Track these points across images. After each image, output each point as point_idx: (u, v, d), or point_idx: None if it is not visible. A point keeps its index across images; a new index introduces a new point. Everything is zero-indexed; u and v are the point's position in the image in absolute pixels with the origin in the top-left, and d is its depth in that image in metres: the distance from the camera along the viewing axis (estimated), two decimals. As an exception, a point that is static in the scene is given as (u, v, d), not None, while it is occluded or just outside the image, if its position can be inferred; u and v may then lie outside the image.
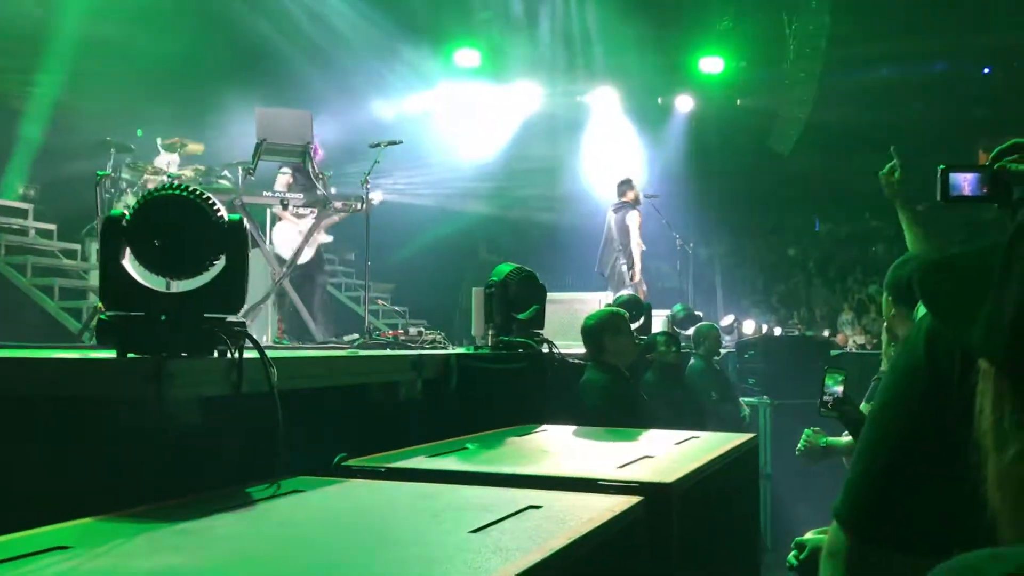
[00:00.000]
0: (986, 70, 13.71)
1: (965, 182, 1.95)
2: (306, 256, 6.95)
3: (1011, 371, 0.69)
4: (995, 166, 1.92)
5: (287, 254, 6.92)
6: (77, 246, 8.51)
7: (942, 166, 1.97)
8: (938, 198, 1.98)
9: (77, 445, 1.86)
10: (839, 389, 3.06)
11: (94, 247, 7.68)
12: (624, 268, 8.48)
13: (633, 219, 8.58)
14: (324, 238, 7.34)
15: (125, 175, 7.48)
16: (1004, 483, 0.70)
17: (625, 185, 8.90)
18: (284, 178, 6.96)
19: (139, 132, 8.40)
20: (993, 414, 0.72)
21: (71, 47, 8.98)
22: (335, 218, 7.12)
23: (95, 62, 9.30)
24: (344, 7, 10.39)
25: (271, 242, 7.07)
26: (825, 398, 3.06)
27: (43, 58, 9.07)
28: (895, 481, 0.91)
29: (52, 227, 8.67)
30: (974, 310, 0.70)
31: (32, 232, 8.53)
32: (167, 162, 7.56)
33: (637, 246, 8.46)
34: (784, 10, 12.56)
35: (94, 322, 5.83)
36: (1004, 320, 0.67)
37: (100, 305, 5.51)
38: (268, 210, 7.37)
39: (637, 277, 8.35)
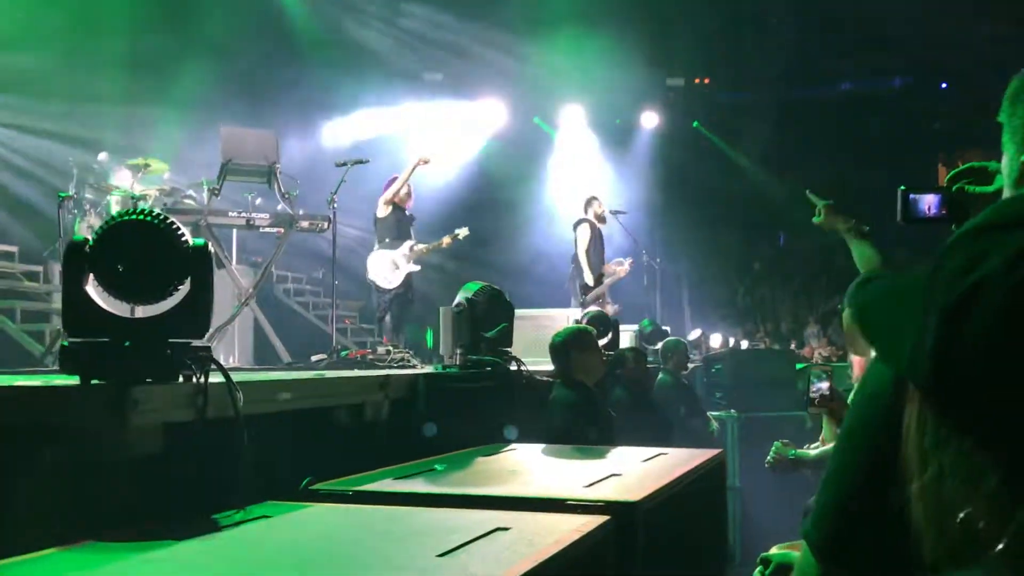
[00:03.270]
0: (943, 85, 14.00)
1: (925, 204, 1.99)
2: (395, 282, 7.51)
3: (933, 397, 0.72)
4: (953, 188, 1.97)
5: (383, 283, 7.47)
6: (39, 268, 8.38)
7: (902, 188, 2.01)
8: (898, 219, 2.02)
9: (38, 474, 1.84)
10: (825, 385, 3.09)
11: (56, 269, 7.57)
12: (578, 283, 8.56)
13: (581, 232, 8.62)
14: (412, 267, 7.65)
15: (88, 195, 7.40)
16: (923, 502, 0.73)
17: (587, 201, 8.96)
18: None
19: (101, 156, 8.30)
20: (916, 435, 0.74)
21: (29, 63, 8.88)
22: (422, 248, 7.64)
23: (57, 80, 9.20)
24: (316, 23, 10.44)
25: (368, 271, 7.58)
26: (812, 395, 3.09)
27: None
28: (861, 507, 0.92)
29: (13, 249, 8.53)
30: (904, 332, 0.73)
31: (-8, 254, 8.39)
32: (131, 182, 7.49)
33: (583, 256, 8.48)
34: (745, 26, 12.76)
35: (57, 346, 5.76)
36: (926, 347, 0.69)
37: (63, 330, 5.44)
38: (234, 230, 7.34)
39: (592, 290, 8.34)
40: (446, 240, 7.85)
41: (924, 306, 0.71)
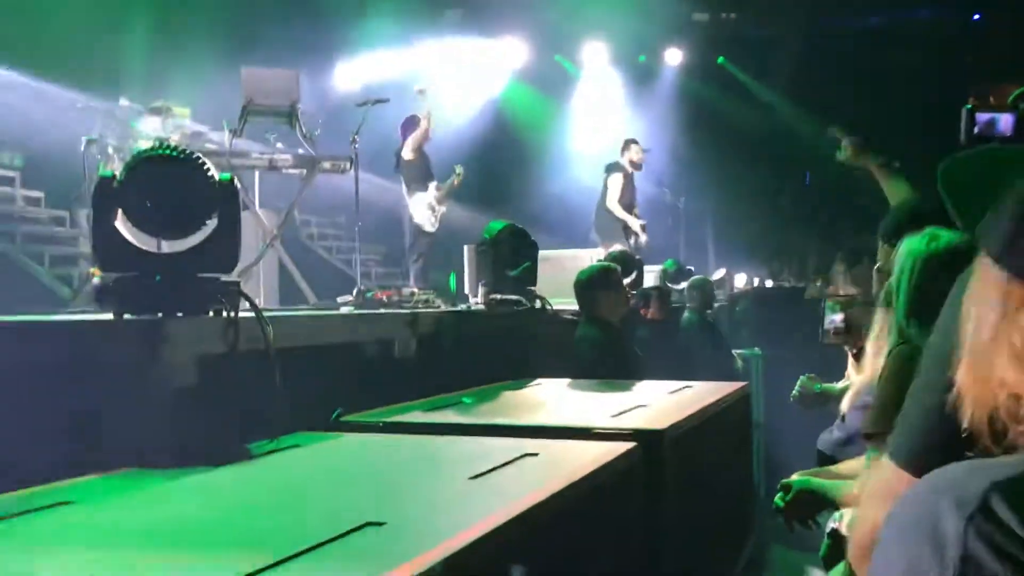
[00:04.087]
0: (976, 16, 13.62)
1: (990, 122, 1.94)
2: (436, 224, 7.64)
3: (1000, 267, 0.71)
4: (1020, 107, 1.91)
5: (429, 226, 7.56)
6: (66, 213, 8.46)
7: (968, 106, 1.95)
8: (962, 139, 1.97)
9: (77, 405, 1.87)
10: (839, 317, 3.07)
11: (83, 213, 7.63)
12: (596, 232, 8.40)
13: (613, 181, 8.34)
14: (443, 209, 7.72)
15: (111, 140, 7.41)
16: (972, 371, 0.72)
17: (624, 144, 8.67)
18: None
19: (121, 101, 8.28)
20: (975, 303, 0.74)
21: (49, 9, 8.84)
22: (443, 189, 7.66)
23: (75, 24, 9.16)
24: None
25: (412, 214, 7.63)
26: (827, 327, 3.07)
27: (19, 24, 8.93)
28: (942, 422, 0.91)
29: (40, 194, 8.61)
30: (984, 198, 0.72)
31: (19, 200, 8.47)
32: (153, 126, 7.49)
33: (614, 206, 8.24)
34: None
35: (87, 287, 5.83)
36: (1002, 221, 0.69)
37: (93, 271, 5.48)
38: (256, 172, 7.34)
39: (617, 243, 7.97)
40: (455, 181, 7.79)
41: (1012, 183, 0.70)
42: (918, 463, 0.96)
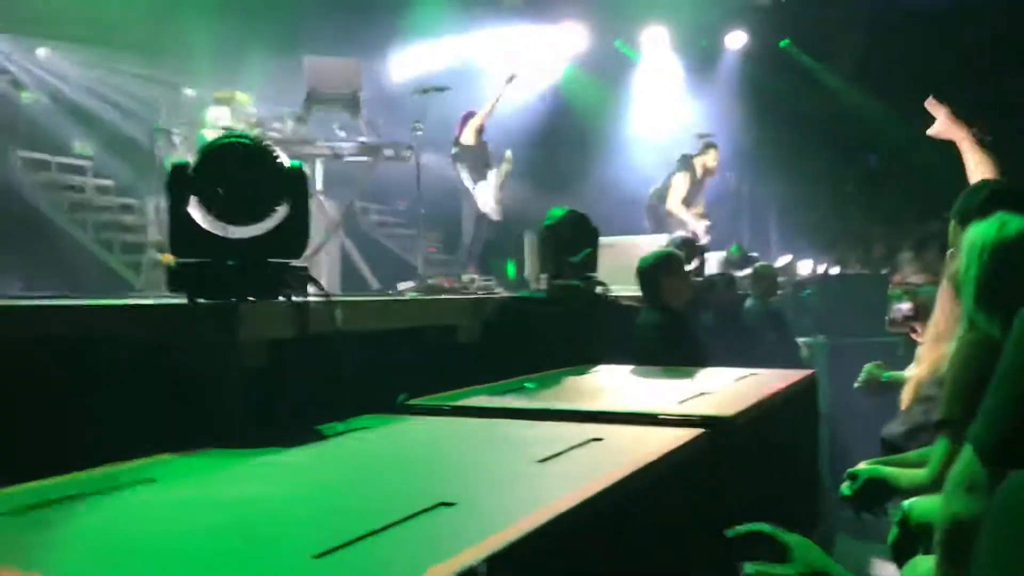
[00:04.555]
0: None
1: None
2: (500, 212, 7.58)
3: None
4: None
5: (495, 214, 7.52)
6: (135, 201, 8.69)
7: None
8: None
9: (155, 387, 1.93)
10: (907, 306, 3.01)
11: (151, 201, 7.83)
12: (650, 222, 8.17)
13: (678, 181, 7.99)
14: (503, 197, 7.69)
15: (177, 130, 7.58)
16: None
17: (704, 146, 8.29)
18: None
19: (187, 91, 8.47)
20: None
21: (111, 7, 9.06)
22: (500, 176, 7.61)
23: (140, 16, 9.37)
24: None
25: (478, 203, 7.59)
26: (893, 315, 3.02)
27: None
28: None
29: (110, 183, 8.86)
30: None
31: (91, 188, 8.73)
32: (217, 115, 7.64)
33: (676, 208, 7.92)
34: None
35: (155, 273, 5.99)
36: None
37: (162, 257, 5.63)
38: (317, 160, 7.44)
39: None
40: (507, 167, 7.75)
41: None
42: (1004, 453, 0.94)
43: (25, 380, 1.92)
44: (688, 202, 8.07)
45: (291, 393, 2.13)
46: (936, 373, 2.70)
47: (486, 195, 7.54)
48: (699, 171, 8.17)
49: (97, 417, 1.79)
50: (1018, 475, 0.63)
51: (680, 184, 8.01)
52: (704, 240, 7.86)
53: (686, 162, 8.14)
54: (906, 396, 3.10)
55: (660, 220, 8.12)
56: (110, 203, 8.68)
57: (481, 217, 7.58)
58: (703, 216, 8.24)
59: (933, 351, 2.91)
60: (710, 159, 8.21)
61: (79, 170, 8.92)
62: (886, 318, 3.36)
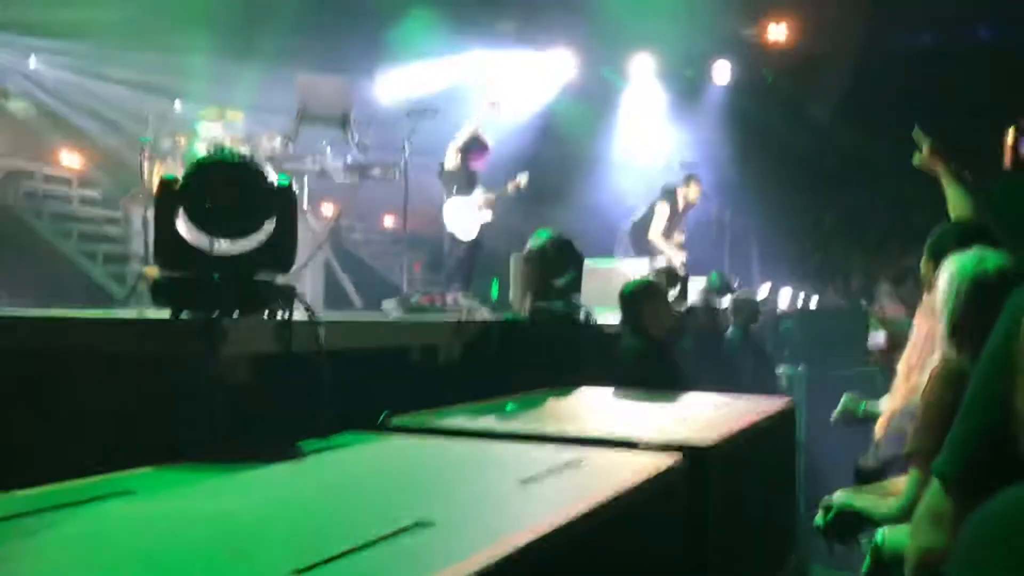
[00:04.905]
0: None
1: None
2: (472, 232, 7.43)
3: None
4: None
5: (462, 234, 7.38)
6: (119, 213, 8.65)
7: (1014, 127, 1.94)
8: (1006, 163, 1.95)
9: (136, 400, 1.93)
10: (881, 336, 3.05)
11: (136, 213, 7.81)
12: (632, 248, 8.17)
13: (661, 210, 8.04)
14: (486, 217, 7.57)
15: (165, 143, 7.57)
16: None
17: (686, 178, 8.34)
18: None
19: (176, 104, 8.46)
20: None
21: (109, 14, 9.06)
22: (491, 196, 7.55)
23: (135, 29, 9.38)
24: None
25: (445, 221, 7.51)
26: (870, 346, 3.05)
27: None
28: (993, 437, 0.91)
29: (95, 194, 8.83)
30: None
31: (76, 200, 8.70)
32: (209, 130, 7.64)
33: (656, 239, 7.98)
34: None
35: (140, 286, 5.96)
36: None
37: (146, 270, 5.60)
38: (304, 177, 7.46)
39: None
40: (511, 187, 7.74)
41: None
42: (967, 483, 0.96)
43: (4, 391, 1.92)
44: (668, 233, 8.13)
45: (273, 409, 2.13)
46: (908, 405, 2.74)
47: (454, 214, 7.50)
48: (680, 202, 8.22)
49: (78, 429, 1.79)
50: (985, 508, 0.65)
51: (661, 214, 8.07)
52: (681, 272, 7.95)
53: (668, 192, 8.21)
54: (879, 428, 3.13)
55: (641, 247, 8.17)
56: (94, 214, 8.65)
57: (452, 237, 7.57)
58: (682, 248, 8.30)
59: (906, 383, 2.95)
60: (692, 192, 8.26)
61: (65, 181, 8.89)
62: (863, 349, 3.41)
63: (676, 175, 8.57)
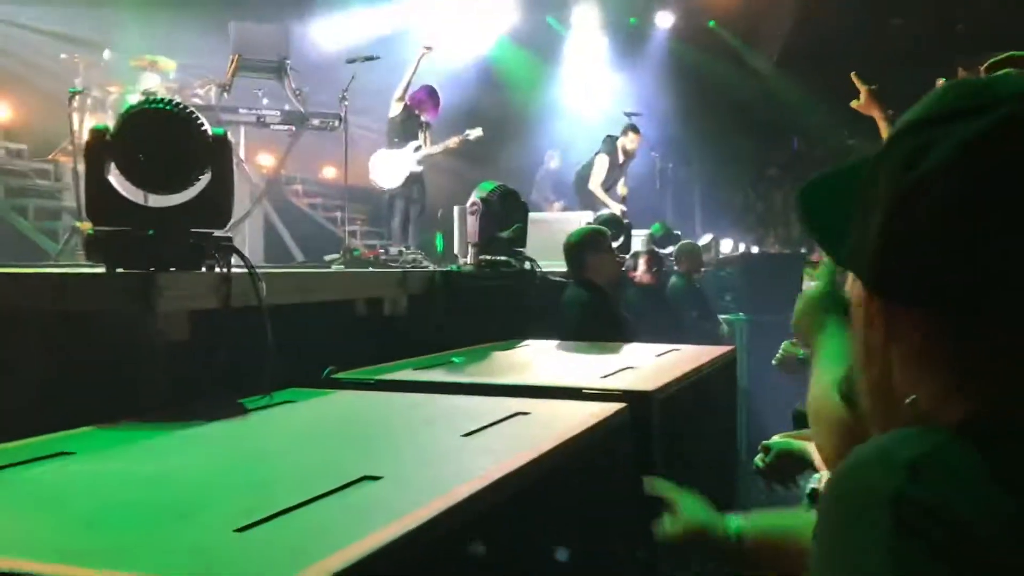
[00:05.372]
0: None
1: None
2: (395, 182, 7.32)
3: (879, 293, 0.74)
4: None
5: (382, 182, 7.26)
6: (49, 166, 8.36)
7: (943, 80, 1.97)
8: None
9: (72, 357, 1.88)
10: (813, 284, 3.11)
11: (67, 166, 7.56)
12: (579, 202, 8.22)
13: (600, 161, 8.10)
14: (413, 168, 7.42)
15: (95, 93, 7.31)
16: (873, 395, 0.76)
17: (624, 129, 8.34)
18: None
19: (105, 53, 8.14)
20: (866, 331, 0.77)
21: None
22: (435, 149, 7.44)
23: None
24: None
25: (369, 170, 7.36)
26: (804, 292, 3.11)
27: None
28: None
29: (23, 147, 8.50)
30: (844, 227, 0.75)
31: (2, 152, 8.37)
32: (138, 80, 7.39)
33: (596, 189, 8.02)
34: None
35: (73, 241, 5.80)
36: (870, 245, 0.71)
37: (79, 224, 5.44)
38: (241, 128, 7.28)
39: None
40: (454, 141, 7.63)
41: (865, 201, 0.72)
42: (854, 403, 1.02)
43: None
44: (608, 183, 8.15)
45: (214, 365, 2.10)
46: None
47: (379, 165, 7.36)
48: (620, 154, 8.25)
49: (12, 389, 1.74)
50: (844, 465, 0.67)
51: (600, 165, 8.11)
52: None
53: (610, 143, 8.23)
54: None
55: (585, 200, 8.20)
56: (23, 167, 8.33)
57: (385, 189, 7.46)
58: (623, 199, 8.35)
59: None
60: (630, 142, 8.29)
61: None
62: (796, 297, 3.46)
63: (619, 126, 8.59)
